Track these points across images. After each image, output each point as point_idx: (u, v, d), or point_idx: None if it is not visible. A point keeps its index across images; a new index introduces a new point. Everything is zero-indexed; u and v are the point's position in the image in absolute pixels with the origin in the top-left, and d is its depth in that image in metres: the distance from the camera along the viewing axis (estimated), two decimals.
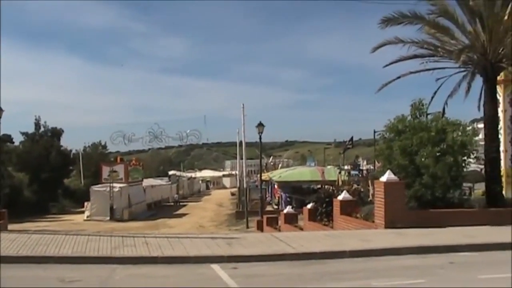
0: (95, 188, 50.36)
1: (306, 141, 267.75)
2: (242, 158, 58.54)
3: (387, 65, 21.43)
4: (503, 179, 25.38)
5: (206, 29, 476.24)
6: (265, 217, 33.92)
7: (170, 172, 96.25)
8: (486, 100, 20.39)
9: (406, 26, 20.89)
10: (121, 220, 46.97)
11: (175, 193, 75.64)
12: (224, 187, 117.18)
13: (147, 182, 64.49)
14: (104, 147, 78.09)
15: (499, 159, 21.50)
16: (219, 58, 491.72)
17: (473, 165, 30.36)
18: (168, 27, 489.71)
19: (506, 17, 20.13)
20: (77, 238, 15.23)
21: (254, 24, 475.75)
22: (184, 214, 55.24)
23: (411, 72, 21.32)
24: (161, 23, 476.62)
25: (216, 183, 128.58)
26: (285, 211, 28.89)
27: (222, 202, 70.95)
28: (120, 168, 53.83)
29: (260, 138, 45.57)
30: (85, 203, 50.82)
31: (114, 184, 49.53)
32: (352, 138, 49.40)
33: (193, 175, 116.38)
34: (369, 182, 22.64)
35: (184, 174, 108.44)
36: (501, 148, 25.39)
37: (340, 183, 30.36)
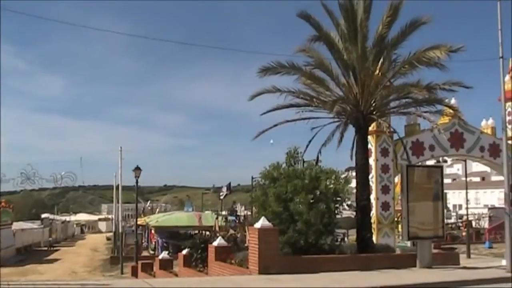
0: None
1: (185, 185, 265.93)
2: (118, 202, 57.48)
3: (264, 113, 21.80)
4: (374, 226, 26.47)
5: (86, 69, 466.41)
6: (140, 262, 33.24)
7: (43, 215, 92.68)
8: (357, 149, 21.12)
9: (284, 76, 21.45)
10: None
11: (48, 237, 72.70)
12: (100, 232, 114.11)
13: (17, 225, 61.43)
14: None
15: (370, 207, 22.31)
16: (98, 99, 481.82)
17: (348, 212, 31.35)
18: (47, 64, 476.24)
19: (377, 72, 21.26)
20: None
21: (134, 66, 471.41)
22: (56, 260, 53.17)
23: (287, 121, 21.79)
24: (39, 60, 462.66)
25: (91, 227, 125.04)
26: (160, 256, 28.44)
27: (97, 247, 68.98)
28: None
29: (137, 182, 44.96)
30: None
31: None
32: (230, 183, 49.69)
33: (67, 218, 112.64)
34: (246, 228, 22.77)
35: (57, 217, 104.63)
36: (373, 196, 26.53)
37: (217, 228, 30.38)
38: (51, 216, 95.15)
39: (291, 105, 21.61)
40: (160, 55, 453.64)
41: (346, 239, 37.45)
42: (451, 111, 23.88)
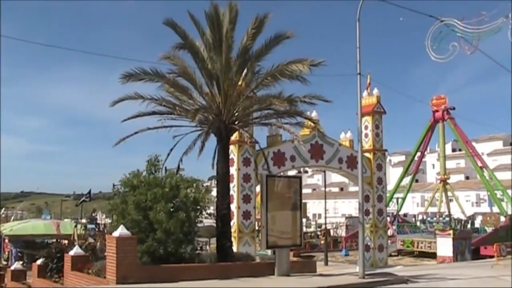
0: None
1: (44, 192, 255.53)
2: None
3: (125, 120, 21.32)
4: (235, 235, 26.79)
5: None
6: None
7: None
8: (219, 159, 21.22)
9: (148, 83, 21.16)
10: None
11: None
12: None
13: None
14: None
15: (231, 216, 22.52)
16: None
17: (210, 221, 31.46)
18: None
19: (240, 83, 21.57)
20: None
21: None
22: None
23: (149, 128, 21.40)
24: None
25: None
26: (12, 267, 27.08)
27: None
28: None
29: None
30: None
31: None
32: (90, 191, 48.57)
33: None
34: (106, 236, 22.26)
35: None
36: (234, 205, 26.84)
37: (76, 237, 29.46)
38: None
39: (154, 113, 21.30)
40: (21, 57, 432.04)
41: (208, 247, 37.67)
42: (311, 123, 24.62)
